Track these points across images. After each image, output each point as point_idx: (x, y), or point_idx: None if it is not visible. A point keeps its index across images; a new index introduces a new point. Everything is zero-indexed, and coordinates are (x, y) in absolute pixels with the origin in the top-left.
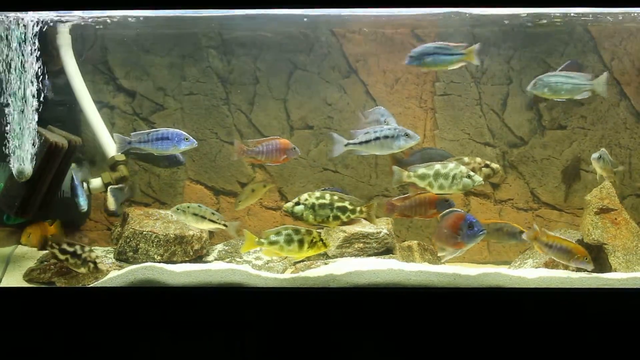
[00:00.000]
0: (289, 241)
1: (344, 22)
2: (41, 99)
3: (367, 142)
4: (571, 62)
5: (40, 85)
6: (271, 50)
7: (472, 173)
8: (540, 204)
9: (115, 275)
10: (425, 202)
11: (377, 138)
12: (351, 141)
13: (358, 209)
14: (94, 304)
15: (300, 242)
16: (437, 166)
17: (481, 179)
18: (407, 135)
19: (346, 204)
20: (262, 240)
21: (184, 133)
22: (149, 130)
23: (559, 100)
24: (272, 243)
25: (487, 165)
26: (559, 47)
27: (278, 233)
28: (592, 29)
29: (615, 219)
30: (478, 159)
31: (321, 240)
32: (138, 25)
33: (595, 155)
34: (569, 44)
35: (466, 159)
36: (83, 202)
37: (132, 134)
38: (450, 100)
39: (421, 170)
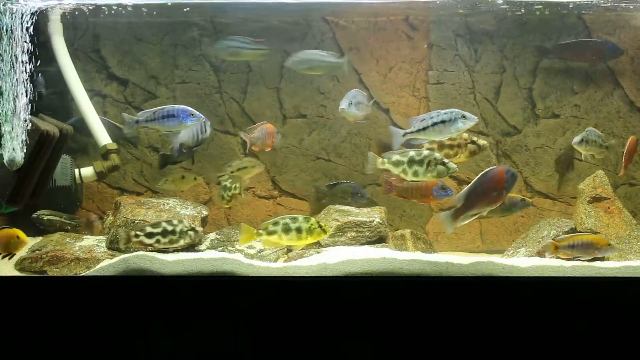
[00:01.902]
0: (287, 230)
1: (336, 10)
2: (31, 87)
3: (424, 129)
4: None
5: (32, 74)
6: (264, 39)
7: (446, 160)
8: (533, 193)
9: (107, 264)
10: (422, 187)
11: (435, 124)
12: (408, 130)
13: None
14: (86, 293)
15: (298, 230)
16: (411, 153)
17: (455, 166)
18: (464, 117)
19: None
20: (260, 231)
21: (190, 109)
22: (155, 108)
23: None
24: (270, 233)
25: (473, 142)
26: (552, 35)
27: (275, 223)
28: (586, 17)
29: (608, 207)
30: (465, 135)
31: (320, 226)
32: (130, 13)
33: (576, 139)
34: (563, 32)
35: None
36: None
37: (138, 113)
38: (444, 89)
39: (395, 157)
